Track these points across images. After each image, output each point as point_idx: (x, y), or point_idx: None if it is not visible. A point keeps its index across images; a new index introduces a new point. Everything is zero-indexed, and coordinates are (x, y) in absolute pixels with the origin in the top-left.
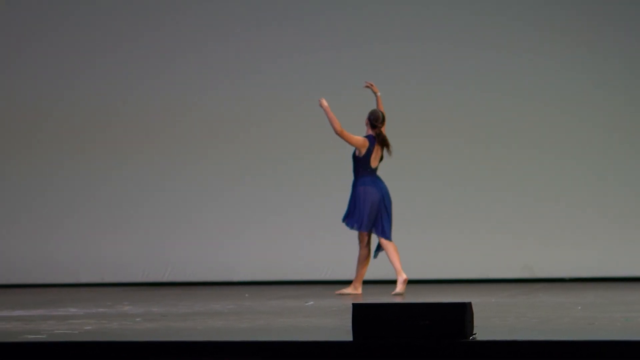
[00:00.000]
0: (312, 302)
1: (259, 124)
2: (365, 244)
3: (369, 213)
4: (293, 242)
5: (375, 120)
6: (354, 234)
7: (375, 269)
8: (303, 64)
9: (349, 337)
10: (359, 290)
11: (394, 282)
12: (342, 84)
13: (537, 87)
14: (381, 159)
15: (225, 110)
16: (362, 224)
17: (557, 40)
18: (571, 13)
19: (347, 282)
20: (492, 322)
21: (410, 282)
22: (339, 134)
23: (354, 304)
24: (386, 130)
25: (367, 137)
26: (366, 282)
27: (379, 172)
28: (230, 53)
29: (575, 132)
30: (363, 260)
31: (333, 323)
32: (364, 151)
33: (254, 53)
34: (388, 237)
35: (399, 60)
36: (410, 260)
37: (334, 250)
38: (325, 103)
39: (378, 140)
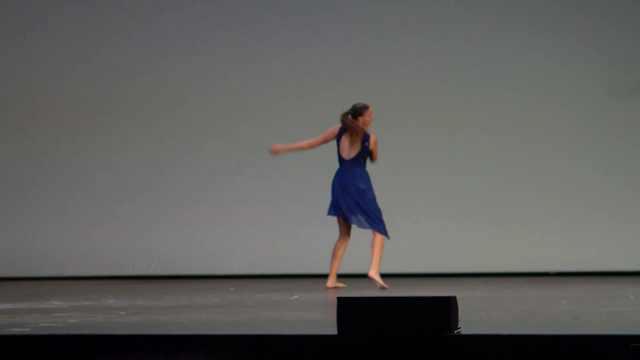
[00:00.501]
0: (297, 296)
1: (245, 118)
2: (340, 235)
3: (332, 199)
4: (279, 235)
5: (346, 112)
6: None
7: (360, 263)
8: (291, 59)
9: (334, 330)
10: (331, 285)
11: (383, 276)
12: (332, 80)
13: (532, 82)
14: (363, 150)
15: (211, 104)
16: (329, 209)
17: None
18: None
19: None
20: (477, 316)
21: (396, 275)
22: (315, 145)
23: (339, 298)
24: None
25: (339, 128)
26: (353, 276)
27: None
28: (218, 50)
29: (563, 127)
30: (334, 253)
31: (318, 317)
32: (334, 142)
33: (242, 49)
34: (371, 228)
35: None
36: (396, 254)
37: (320, 244)
38: (276, 148)
39: (347, 130)
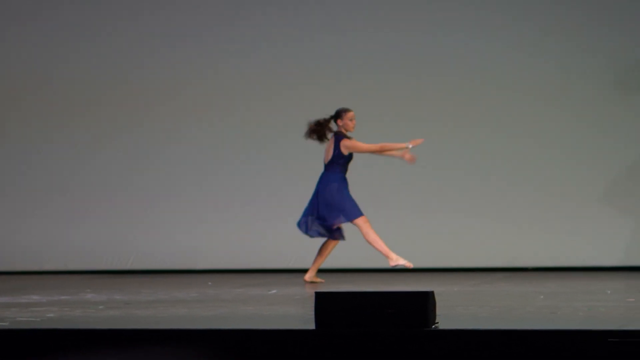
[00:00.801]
0: (275, 291)
1: (224, 113)
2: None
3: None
4: (257, 230)
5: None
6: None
7: (346, 258)
8: (277, 55)
9: (311, 325)
10: (309, 278)
11: (361, 271)
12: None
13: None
14: (335, 155)
15: (190, 101)
16: None
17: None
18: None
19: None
20: (455, 310)
21: (375, 270)
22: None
23: (317, 293)
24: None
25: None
26: (337, 271)
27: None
28: (204, 46)
29: (542, 124)
30: (321, 249)
31: (296, 311)
32: None
33: (229, 45)
34: (315, 235)
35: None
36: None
37: (297, 239)
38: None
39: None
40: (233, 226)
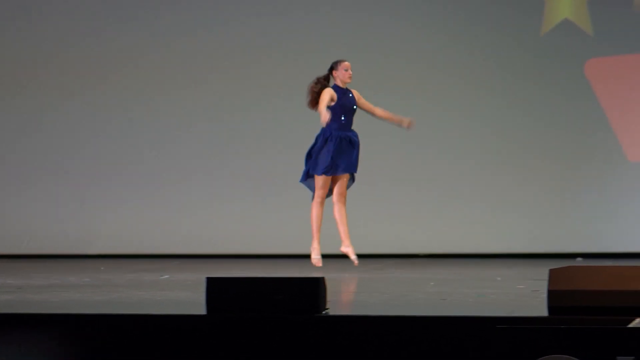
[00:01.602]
0: (167, 276)
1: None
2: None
3: None
4: (149, 214)
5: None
6: (202, 205)
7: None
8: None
9: (202, 310)
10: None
11: (256, 256)
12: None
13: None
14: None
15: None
16: None
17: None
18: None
19: (203, 256)
20: (345, 296)
21: (271, 256)
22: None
23: (208, 278)
24: None
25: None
26: (234, 257)
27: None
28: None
29: (429, 117)
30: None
31: (188, 296)
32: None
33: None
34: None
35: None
36: (270, 235)
37: (190, 224)
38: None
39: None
40: (125, 210)
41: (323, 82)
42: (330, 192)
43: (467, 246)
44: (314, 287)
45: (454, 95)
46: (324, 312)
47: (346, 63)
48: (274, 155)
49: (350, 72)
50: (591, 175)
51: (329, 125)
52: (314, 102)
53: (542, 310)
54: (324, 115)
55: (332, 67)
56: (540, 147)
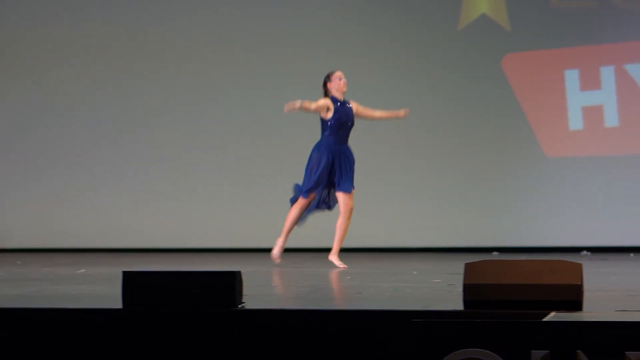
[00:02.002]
0: (83, 270)
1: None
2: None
3: None
4: (66, 207)
5: None
6: (119, 200)
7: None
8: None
9: (119, 304)
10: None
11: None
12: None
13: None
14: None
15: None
16: None
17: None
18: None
19: (121, 250)
20: (262, 290)
21: (184, 250)
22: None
23: (124, 272)
24: None
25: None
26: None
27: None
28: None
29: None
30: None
31: (104, 290)
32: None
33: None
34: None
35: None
36: (192, 229)
37: (107, 217)
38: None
39: None
40: (40, 204)
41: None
42: (326, 206)
43: (384, 240)
44: (230, 281)
45: (371, 88)
46: (239, 306)
47: (338, 72)
48: (187, 145)
49: (345, 80)
50: (508, 170)
51: (326, 139)
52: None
53: (457, 304)
54: (298, 101)
55: (326, 81)
56: (457, 142)
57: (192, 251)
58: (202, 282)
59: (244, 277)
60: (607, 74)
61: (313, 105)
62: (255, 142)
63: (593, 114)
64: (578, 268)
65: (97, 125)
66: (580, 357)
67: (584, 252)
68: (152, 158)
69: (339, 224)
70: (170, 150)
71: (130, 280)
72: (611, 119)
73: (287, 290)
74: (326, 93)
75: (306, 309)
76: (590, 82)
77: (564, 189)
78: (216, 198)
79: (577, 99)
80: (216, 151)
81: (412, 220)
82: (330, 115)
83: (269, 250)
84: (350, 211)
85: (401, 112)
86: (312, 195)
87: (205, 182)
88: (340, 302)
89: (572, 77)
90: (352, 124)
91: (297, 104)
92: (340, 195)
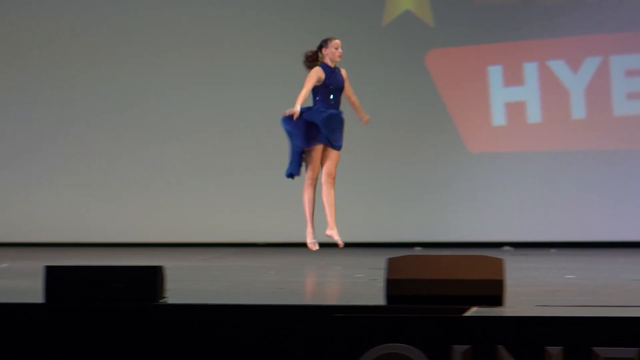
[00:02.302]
0: (6, 265)
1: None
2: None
3: None
4: None
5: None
6: (39, 195)
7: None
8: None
9: (41, 299)
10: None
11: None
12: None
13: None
14: None
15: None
16: None
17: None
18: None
19: (44, 245)
20: (184, 285)
21: (106, 245)
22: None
23: (46, 266)
24: None
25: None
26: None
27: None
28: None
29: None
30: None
31: (26, 285)
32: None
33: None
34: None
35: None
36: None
37: (27, 211)
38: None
39: None
40: None
41: (311, 59)
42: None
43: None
44: (152, 276)
45: (296, 84)
46: (161, 301)
47: (336, 41)
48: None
49: (341, 51)
50: (431, 165)
51: (318, 104)
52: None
53: (379, 299)
54: (297, 106)
55: (322, 45)
56: (380, 138)
57: (118, 246)
58: (124, 277)
59: (168, 272)
60: (530, 70)
61: (305, 91)
62: (177, 138)
63: (516, 109)
64: (499, 263)
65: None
66: (501, 352)
67: (506, 248)
68: (67, 153)
69: (329, 195)
70: (93, 144)
71: (53, 274)
72: (534, 114)
73: (210, 285)
74: (317, 57)
75: (227, 303)
76: (513, 78)
77: (486, 185)
78: (139, 192)
79: (500, 94)
80: (136, 147)
81: (335, 215)
82: (319, 83)
83: (195, 245)
84: (334, 179)
85: (365, 117)
86: (317, 157)
87: (126, 177)
88: (262, 297)
89: (495, 73)
90: (343, 89)
91: (297, 108)
92: (329, 159)
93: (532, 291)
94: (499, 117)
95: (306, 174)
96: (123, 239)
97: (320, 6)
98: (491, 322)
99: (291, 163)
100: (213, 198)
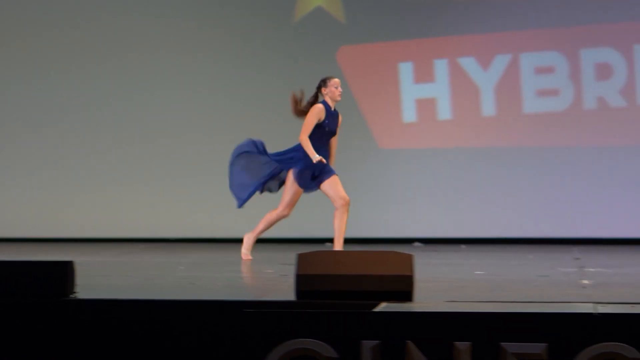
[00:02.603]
0: None
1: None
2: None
3: None
4: None
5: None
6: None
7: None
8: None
9: None
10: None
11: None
12: None
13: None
14: None
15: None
16: None
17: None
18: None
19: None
20: (95, 280)
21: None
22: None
23: None
24: None
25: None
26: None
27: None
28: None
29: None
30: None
31: None
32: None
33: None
34: None
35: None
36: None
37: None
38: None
39: None
40: None
41: (312, 101)
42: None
43: (218, 230)
44: (62, 271)
45: (207, 80)
46: (71, 296)
47: (336, 80)
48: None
49: (341, 90)
50: (341, 161)
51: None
52: (301, 113)
53: (289, 295)
54: (316, 155)
55: (320, 85)
56: (292, 134)
57: (29, 241)
58: (33, 272)
59: (78, 267)
60: (441, 67)
61: (309, 133)
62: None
63: (426, 106)
64: (409, 259)
65: None
66: (410, 347)
67: (416, 244)
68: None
69: (342, 220)
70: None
71: None
72: (444, 111)
73: (120, 280)
74: (317, 97)
75: (139, 299)
76: (424, 74)
77: (397, 181)
78: (51, 189)
79: (410, 91)
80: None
81: (246, 210)
82: (320, 121)
83: (106, 240)
84: (349, 204)
85: (331, 162)
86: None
87: (43, 172)
88: (173, 292)
89: (406, 69)
90: (334, 135)
91: (317, 156)
92: (332, 183)
93: (441, 287)
94: (409, 114)
95: (283, 210)
96: (35, 234)
97: (230, 3)
98: (400, 317)
99: (249, 195)
100: (122, 194)
